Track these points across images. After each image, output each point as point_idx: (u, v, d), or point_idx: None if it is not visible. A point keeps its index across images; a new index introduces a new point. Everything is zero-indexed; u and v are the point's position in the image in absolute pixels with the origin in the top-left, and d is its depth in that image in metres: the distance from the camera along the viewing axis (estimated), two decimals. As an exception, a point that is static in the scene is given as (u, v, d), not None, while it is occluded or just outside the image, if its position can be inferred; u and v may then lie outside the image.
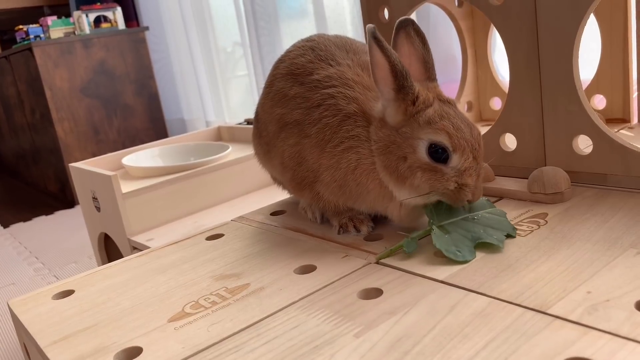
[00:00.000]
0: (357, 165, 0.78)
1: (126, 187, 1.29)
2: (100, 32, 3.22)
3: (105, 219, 1.34)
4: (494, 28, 1.31)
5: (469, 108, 1.37)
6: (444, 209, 0.76)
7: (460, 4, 1.30)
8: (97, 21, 3.25)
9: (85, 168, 1.35)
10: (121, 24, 3.36)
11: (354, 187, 0.79)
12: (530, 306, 0.57)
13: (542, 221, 0.79)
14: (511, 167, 0.99)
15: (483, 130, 1.04)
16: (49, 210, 3.16)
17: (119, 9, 3.35)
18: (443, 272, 0.68)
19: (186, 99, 3.81)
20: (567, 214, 0.80)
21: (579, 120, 0.89)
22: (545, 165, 0.95)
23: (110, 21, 3.28)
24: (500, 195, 0.92)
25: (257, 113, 0.99)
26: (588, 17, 0.85)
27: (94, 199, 1.37)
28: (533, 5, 0.89)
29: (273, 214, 1.03)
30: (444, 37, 1.85)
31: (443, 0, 1.28)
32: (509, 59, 0.95)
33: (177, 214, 1.31)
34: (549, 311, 0.55)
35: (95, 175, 1.30)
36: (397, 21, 0.79)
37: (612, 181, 0.87)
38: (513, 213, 0.84)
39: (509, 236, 0.74)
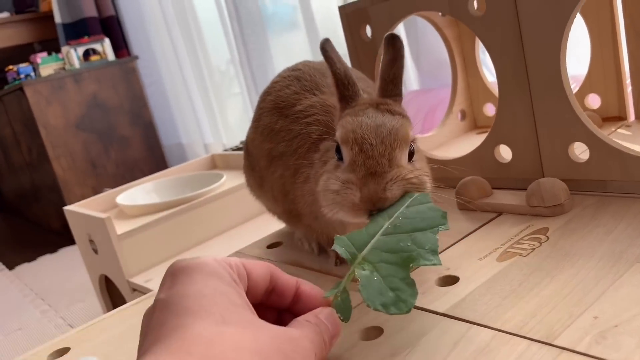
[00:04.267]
0: (313, 192, 0.75)
1: (122, 227, 1.28)
2: (90, 66, 3.22)
3: (103, 261, 1.32)
4: (480, 34, 1.30)
5: (463, 116, 1.35)
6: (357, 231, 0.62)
7: (444, 14, 1.28)
8: (87, 54, 3.25)
9: (79, 211, 1.34)
10: (110, 55, 3.36)
11: (324, 217, 0.77)
12: (536, 337, 0.54)
13: (543, 237, 0.77)
14: (508, 178, 0.97)
15: (479, 139, 1.02)
16: (52, 248, 3.15)
17: (107, 41, 3.35)
18: (444, 303, 0.66)
19: (183, 123, 3.80)
20: (569, 227, 0.78)
21: (572, 127, 0.86)
22: (543, 175, 0.92)
23: (99, 53, 3.28)
24: (499, 211, 0.89)
25: (246, 146, 0.98)
26: (572, 21, 0.83)
27: (91, 241, 1.35)
28: (515, 13, 0.87)
29: (270, 246, 1.01)
30: (434, 43, 1.83)
31: (426, 12, 1.26)
32: (496, 70, 0.93)
33: (175, 251, 1.29)
34: (555, 342, 0.53)
35: (89, 218, 1.28)
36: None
37: (613, 187, 0.85)
38: (513, 230, 0.81)
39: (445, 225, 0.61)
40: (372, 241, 0.59)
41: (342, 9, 1.14)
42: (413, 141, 0.69)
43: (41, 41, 4.16)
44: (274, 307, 0.58)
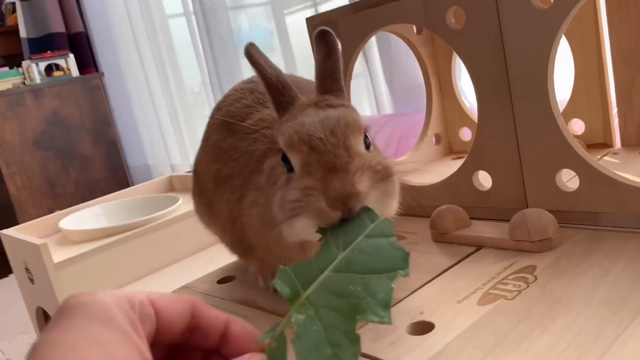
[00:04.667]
0: (263, 219, 0.65)
1: (61, 254, 1.14)
2: (52, 81, 3.08)
3: (39, 292, 1.19)
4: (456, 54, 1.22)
5: (437, 141, 1.26)
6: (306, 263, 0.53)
7: (419, 31, 1.20)
8: (50, 70, 3.11)
9: (15, 236, 1.20)
10: (75, 71, 3.23)
11: (278, 248, 0.67)
12: (529, 408, 0.44)
13: (530, 277, 0.67)
14: (488, 208, 0.87)
15: (455, 164, 0.93)
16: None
17: (71, 56, 3.22)
18: (417, 356, 0.55)
19: (149, 144, 3.67)
20: (559, 265, 0.68)
21: (560, 152, 0.78)
22: (527, 205, 0.83)
23: (63, 69, 3.14)
24: (478, 244, 0.79)
25: (195, 169, 0.87)
26: (561, 35, 0.75)
27: (27, 269, 1.21)
28: (497, 26, 0.79)
29: (221, 281, 0.89)
30: (407, 65, 1.75)
31: (401, 29, 1.17)
32: (475, 89, 0.84)
33: (121, 281, 1.16)
34: (553, 416, 0.42)
35: (25, 243, 1.15)
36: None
37: (606, 220, 0.76)
38: (496, 267, 0.71)
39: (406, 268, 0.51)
40: (320, 278, 0.50)
41: (310, 20, 1.05)
42: (366, 130, 0.60)
43: (5, 56, 4.00)
44: (199, 348, 0.47)
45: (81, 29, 3.78)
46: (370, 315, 0.47)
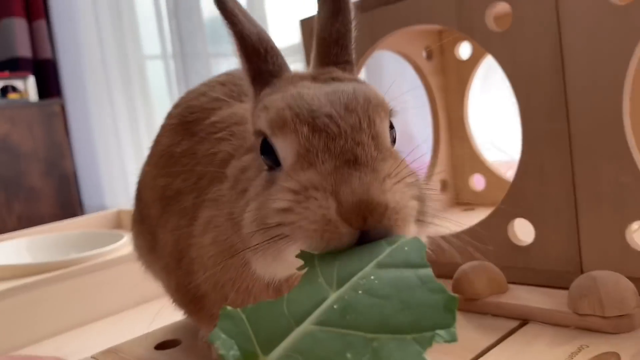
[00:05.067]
0: (221, 249, 0.45)
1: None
2: (5, 104, 2.82)
3: None
4: (471, 86, 1.03)
5: (443, 187, 1.06)
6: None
7: (429, 56, 1.02)
8: (5, 91, 2.86)
9: None
10: (33, 95, 2.98)
11: (243, 296, 0.45)
12: None
13: (619, 372, 0.45)
14: (527, 269, 0.66)
15: (467, 217, 0.72)
16: None
17: (31, 79, 2.97)
18: None
19: (109, 183, 3.39)
20: (657, 356, 0.46)
21: (636, 198, 0.57)
22: (582, 268, 0.62)
23: (20, 92, 2.89)
24: (523, 317, 0.57)
25: (138, 188, 0.64)
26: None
27: None
28: (556, 28, 0.60)
29: (160, 346, 0.64)
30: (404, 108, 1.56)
31: (408, 50, 0.99)
32: (519, 109, 0.65)
33: (37, 335, 0.90)
34: None
35: None
36: None
37: (702, 293, 0.55)
38: (558, 353, 0.49)
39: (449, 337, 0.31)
40: (295, 334, 0.31)
41: (304, 23, 0.85)
42: (392, 116, 0.42)
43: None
44: None
45: (49, 55, 3.58)
46: None
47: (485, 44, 0.66)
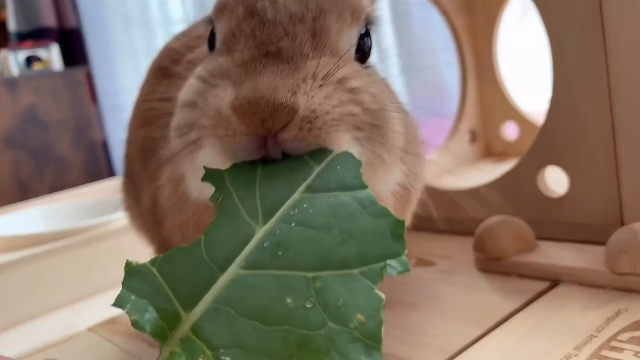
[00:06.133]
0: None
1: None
2: (30, 74, 2.82)
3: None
4: (501, 25, 0.94)
5: (473, 138, 0.98)
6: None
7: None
8: (30, 61, 2.86)
9: None
10: (57, 64, 2.97)
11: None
12: None
13: (666, 340, 0.38)
14: (559, 223, 0.59)
15: (497, 171, 0.65)
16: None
17: (55, 47, 2.96)
18: None
19: (140, 150, 3.41)
20: None
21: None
22: (623, 220, 0.54)
23: (44, 61, 2.89)
24: (554, 277, 0.51)
25: (126, 144, 0.59)
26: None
27: None
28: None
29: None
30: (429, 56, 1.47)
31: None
32: (549, 41, 0.56)
33: (46, 305, 0.87)
34: None
35: None
36: None
37: None
38: (593, 317, 0.43)
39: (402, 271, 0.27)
40: (220, 282, 0.27)
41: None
42: (369, 22, 0.36)
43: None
44: None
45: (74, 24, 3.57)
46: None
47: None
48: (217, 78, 0.30)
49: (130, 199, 0.59)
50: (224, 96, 0.29)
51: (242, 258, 0.27)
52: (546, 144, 0.58)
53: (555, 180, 0.59)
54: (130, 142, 0.56)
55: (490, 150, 0.99)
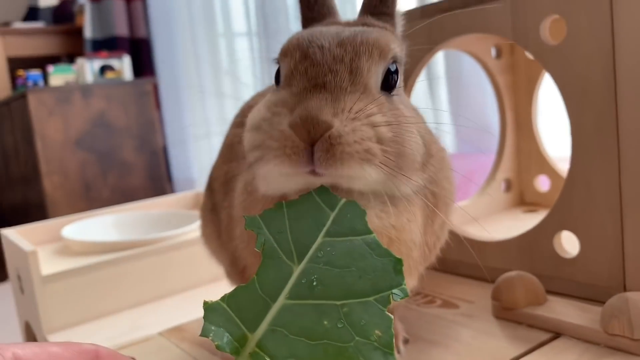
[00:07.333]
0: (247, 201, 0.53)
1: (54, 266, 1.00)
2: (103, 82, 3.03)
3: (27, 305, 1.04)
4: (540, 86, 1.02)
5: (508, 187, 1.06)
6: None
7: (499, 54, 1.01)
8: (103, 70, 3.07)
9: (11, 238, 1.07)
10: (128, 74, 3.17)
11: None
12: None
13: (638, 397, 0.46)
14: (571, 281, 0.67)
15: (527, 219, 0.73)
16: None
17: (127, 59, 3.17)
18: None
19: (198, 156, 3.57)
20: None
21: (684, 219, 0.57)
22: (625, 285, 0.62)
23: (116, 71, 3.10)
24: (556, 330, 0.59)
25: (209, 178, 0.71)
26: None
27: (19, 277, 1.07)
28: (610, 43, 0.59)
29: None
30: (478, 100, 1.56)
31: (477, 49, 0.99)
32: (571, 123, 0.65)
33: (116, 306, 1.00)
34: None
35: (17, 249, 1.01)
36: None
37: None
38: None
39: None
40: (272, 311, 0.36)
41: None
42: (396, 60, 0.46)
43: (70, 54, 4.04)
44: None
45: (144, 34, 3.77)
46: None
47: (538, 56, 0.66)
48: (279, 107, 0.40)
49: (210, 225, 0.69)
50: (281, 121, 0.39)
51: (286, 291, 0.36)
52: (563, 211, 0.67)
53: (568, 243, 0.67)
54: (214, 178, 0.68)
55: (523, 199, 1.07)
